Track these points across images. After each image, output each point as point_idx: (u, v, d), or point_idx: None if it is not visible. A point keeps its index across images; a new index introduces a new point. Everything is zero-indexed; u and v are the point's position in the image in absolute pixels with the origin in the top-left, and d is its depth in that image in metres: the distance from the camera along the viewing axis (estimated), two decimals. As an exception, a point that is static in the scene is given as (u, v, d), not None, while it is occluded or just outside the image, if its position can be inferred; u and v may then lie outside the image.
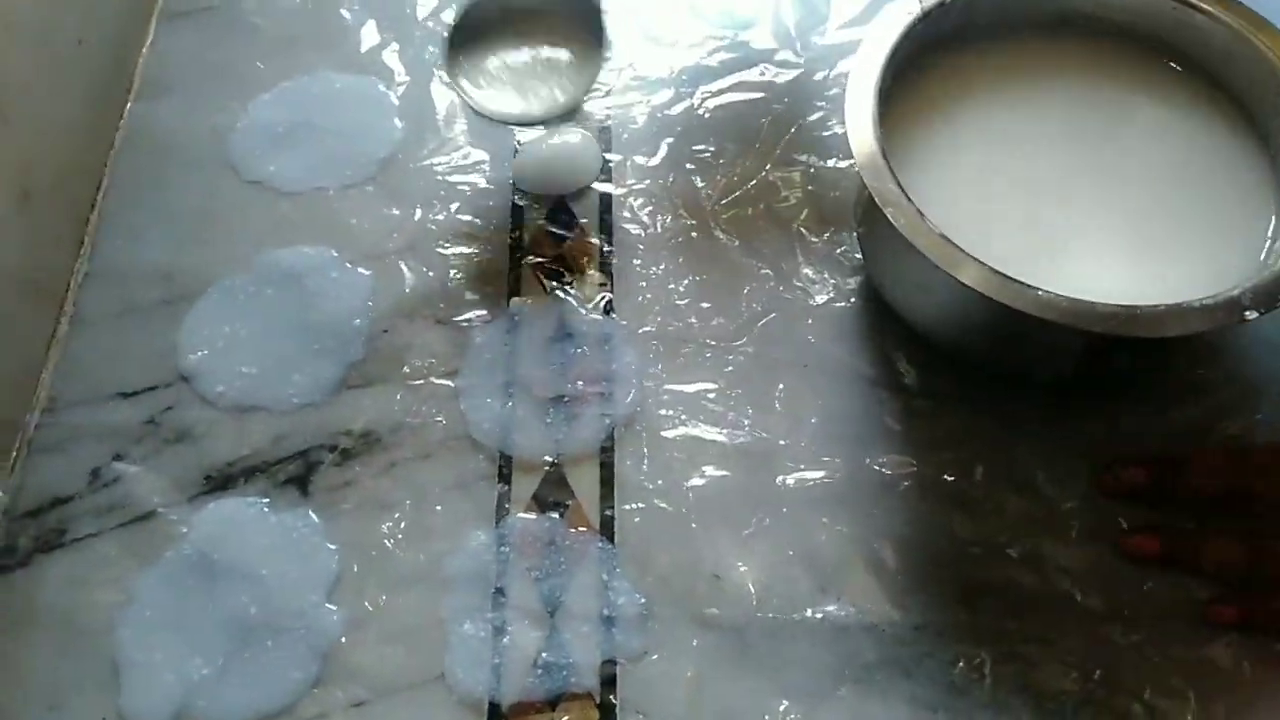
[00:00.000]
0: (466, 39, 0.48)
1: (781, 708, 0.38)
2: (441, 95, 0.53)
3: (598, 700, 0.38)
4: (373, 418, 0.44)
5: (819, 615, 0.40)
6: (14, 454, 0.43)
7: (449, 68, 0.47)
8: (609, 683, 0.38)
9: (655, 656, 0.39)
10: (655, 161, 0.51)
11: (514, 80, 0.48)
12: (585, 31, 0.48)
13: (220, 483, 0.43)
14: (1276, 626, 0.38)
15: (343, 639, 0.39)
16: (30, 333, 0.46)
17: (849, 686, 0.38)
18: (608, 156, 0.51)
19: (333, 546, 0.41)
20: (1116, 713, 0.38)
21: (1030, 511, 0.42)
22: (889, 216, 0.38)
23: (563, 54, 0.48)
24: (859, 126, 0.41)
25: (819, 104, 0.53)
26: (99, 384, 0.45)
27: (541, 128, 0.51)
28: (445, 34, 0.47)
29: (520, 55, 0.48)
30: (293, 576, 0.41)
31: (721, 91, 0.54)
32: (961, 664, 0.39)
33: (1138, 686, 0.38)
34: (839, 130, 0.52)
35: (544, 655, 0.39)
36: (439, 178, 0.51)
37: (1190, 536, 0.40)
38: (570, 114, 0.48)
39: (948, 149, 0.43)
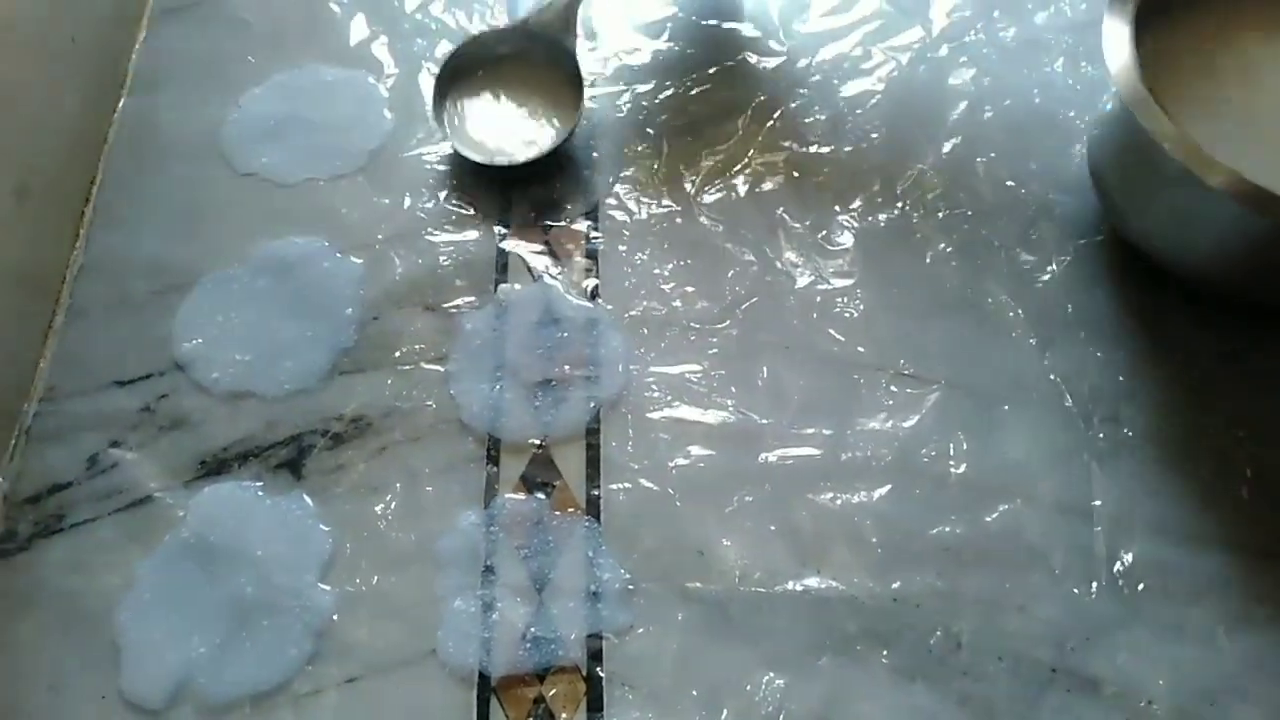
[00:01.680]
0: (453, 83, 0.51)
1: (765, 679, 0.39)
2: (429, 85, 0.54)
3: (584, 673, 0.39)
4: (364, 403, 0.45)
5: (800, 588, 0.40)
6: (13, 442, 0.44)
7: (436, 112, 0.51)
8: (595, 656, 0.39)
9: (641, 630, 0.40)
10: (640, 149, 0.52)
11: (497, 124, 0.51)
12: (564, 77, 0.51)
13: (214, 467, 0.44)
14: None
15: (336, 617, 0.40)
16: (27, 324, 0.47)
17: (830, 657, 0.39)
18: (594, 144, 0.52)
19: (326, 528, 0.42)
20: (1090, 680, 0.39)
21: (1008, 484, 0.43)
22: (1168, 151, 0.38)
23: (543, 99, 0.51)
24: (1121, 67, 0.41)
25: (801, 91, 0.54)
26: (95, 373, 0.46)
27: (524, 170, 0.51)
28: (433, 78, 0.51)
29: (504, 100, 0.52)
30: (287, 558, 0.42)
31: (705, 79, 0.54)
32: (939, 633, 0.40)
33: (1113, 655, 0.39)
34: (820, 117, 0.53)
35: (532, 630, 0.40)
36: (428, 166, 0.52)
37: None
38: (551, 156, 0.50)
39: (1207, 90, 0.43)
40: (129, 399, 0.45)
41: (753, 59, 0.55)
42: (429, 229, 0.50)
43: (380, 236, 0.50)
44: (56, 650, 0.40)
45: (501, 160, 0.50)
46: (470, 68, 0.52)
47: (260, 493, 0.43)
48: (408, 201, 0.51)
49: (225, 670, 0.39)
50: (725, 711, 0.38)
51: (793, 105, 0.53)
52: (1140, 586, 0.40)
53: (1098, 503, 0.42)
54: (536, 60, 0.52)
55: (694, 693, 0.39)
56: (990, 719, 0.38)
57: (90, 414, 0.45)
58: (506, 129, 0.51)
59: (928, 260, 0.48)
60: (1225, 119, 0.43)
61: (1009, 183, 0.51)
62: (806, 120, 0.53)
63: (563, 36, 0.51)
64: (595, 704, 0.38)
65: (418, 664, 0.39)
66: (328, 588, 0.41)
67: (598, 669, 0.39)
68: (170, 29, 0.57)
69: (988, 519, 0.42)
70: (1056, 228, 0.49)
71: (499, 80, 0.52)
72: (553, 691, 0.39)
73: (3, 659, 0.40)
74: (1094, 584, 0.41)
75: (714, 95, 0.54)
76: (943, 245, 0.49)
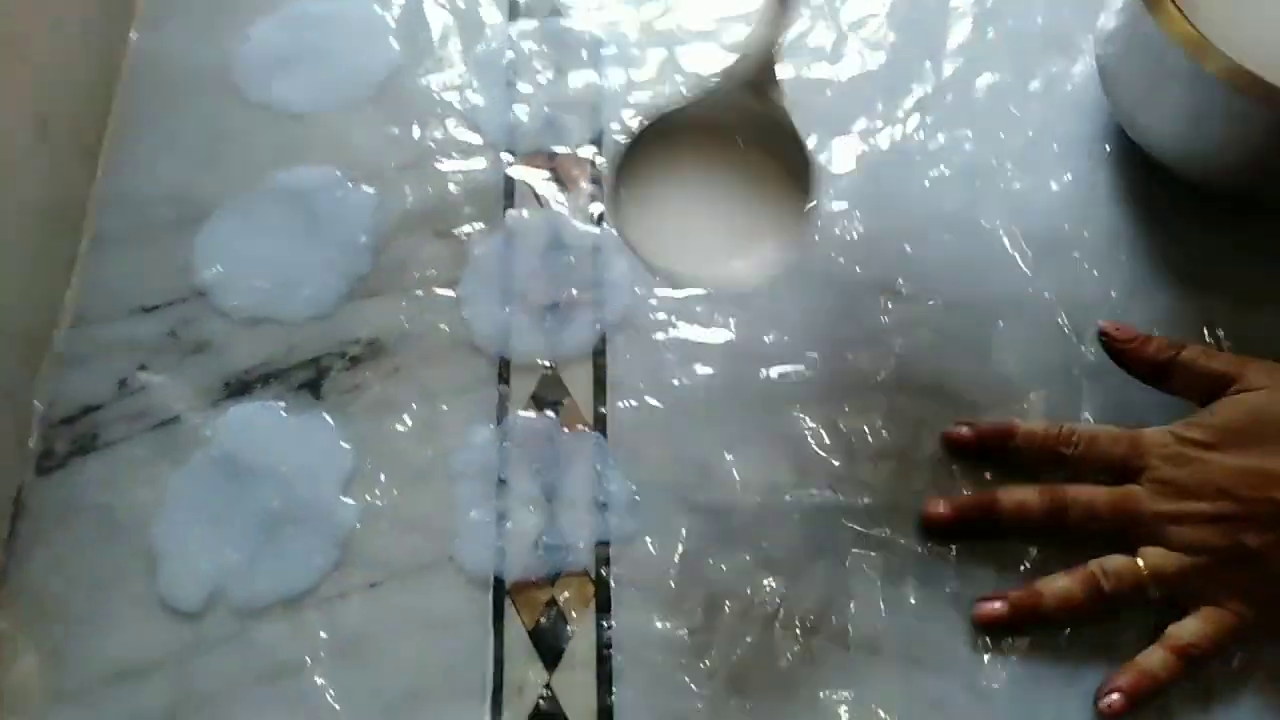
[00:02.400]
0: (631, 174, 0.38)
1: (765, 581, 0.41)
2: (435, 15, 0.54)
3: (593, 577, 0.41)
4: (378, 326, 0.47)
5: (799, 498, 0.42)
6: (47, 367, 0.46)
7: (611, 207, 0.39)
8: (604, 561, 0.42)
9: (647, 538, 0.42)
10: (645, 75, 0.53)
11: (690, 230, 0.38)
12: (774, 153, 0.38)
13: (238, 389, 0.45)
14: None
15: (358, 527, 0.43)
16: (54, 254, 0.49)
17: (825, 562, 0.41)
18: (600, 68, 0.53)
19: (347, 445, 0.44)
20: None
21: (1001, 400, 0.44)
22: (1172, 41, 0.39)
23: (751, 187, 0.38)
24: None
25: (804, 11, 0.54)
26: (121, 300, 0.48)
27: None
28: (608, 168, 0.40)
29: (697, 196, 0.38)
30: (311, 473, 0.44)
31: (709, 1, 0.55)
32: (930, 541, 0.41)
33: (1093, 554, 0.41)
34: (823, 39, 0.53)
35: (544, 538, 0.42)
36: (435, 96, 0.52)
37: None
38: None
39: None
40: (154, 324, 0.47)
41: (756, -18, 0.55)
42: (438, 158, 0.51)
43: (391, 165, 0.51)
44: (96, 557, 0.42)
45: (704, 288, 0.39)
46: (650, 153, 0.38)
47: (283, 413, 0.45)
48: (417, 131, 0.52)
49: (256, 577, 0.42)
50: (727, 608, 0.40)
51: (796, 27, 0.53)
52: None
53: (1087, 417, 0.44)
54: (733, 133, 0.39)
55: (697, 594, 0.41)
56: (978, 618, 0.40)
57: (118, 339, 0.47)
58: (705, 237, 0.38)
59: (926, 183, 0.49)
60: (1236, 14, 0.42)
61: (1010, 104, 0.51)
62: (809, 42, 0.53)
63: (763, 94, 0.38)
64: (604, 605, 0.41)
65: (437, 570, 0.42)
66: (350, 501, 0.43)
67: (606, 573, 0.41)
68: (178, -40, 0.57)
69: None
70: (1056, 148, 0.50)
71: (687, 167, 0.39)
72: (564, 594, 0.41)
73: (47, 563, 0.42)
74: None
75: (717, 16, 0.54)
76: (942, 166, 0.49)
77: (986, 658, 0.39)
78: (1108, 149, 0.50)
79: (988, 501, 0.40)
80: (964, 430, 0.42)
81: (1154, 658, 0.38)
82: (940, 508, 0.40)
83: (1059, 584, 0.39)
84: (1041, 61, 0.52)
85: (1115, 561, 0.38)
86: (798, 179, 0.38)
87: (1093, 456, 0.40)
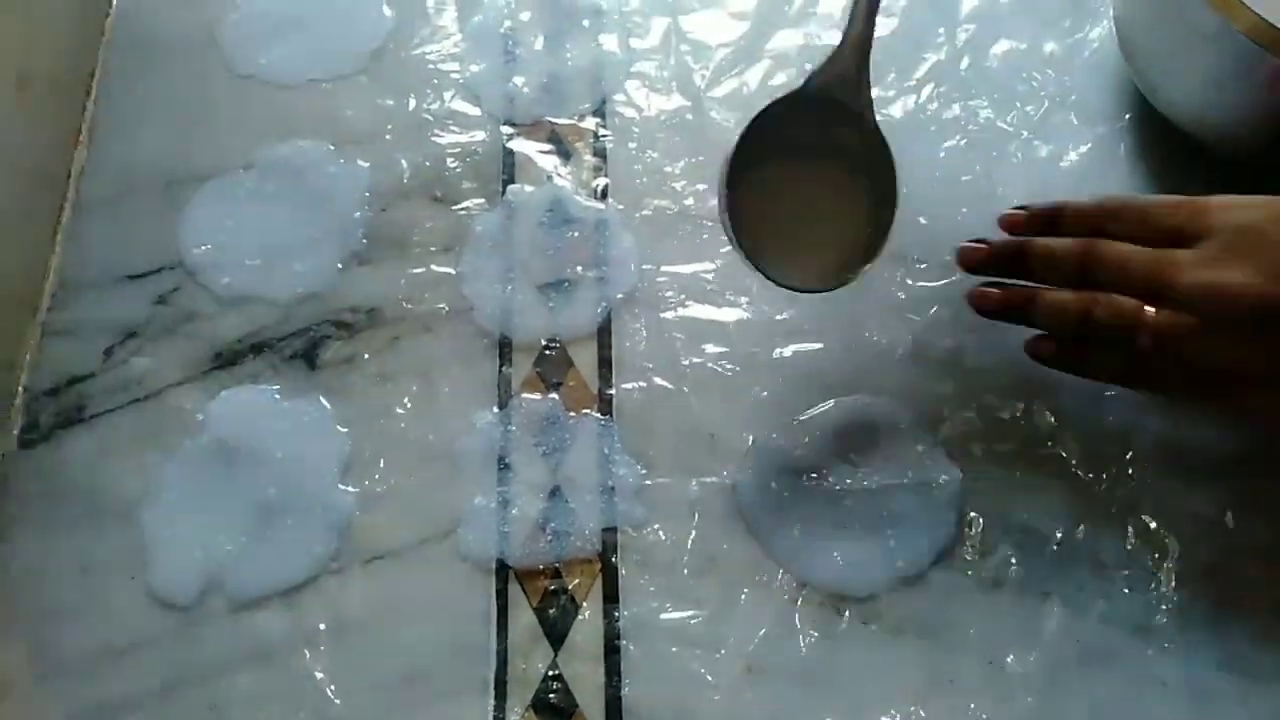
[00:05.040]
0: (741, 182, 0.39)
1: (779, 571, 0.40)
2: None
3: (602, 564, 0.40)
4: (377, 303, 0.45)
5: (816, 482, 0.41)
6: (30, 336, 0.44)
7: (727, 223, 0.39)
8: (612, 548, 0.40)
9: (657, 524, 0.41)
10: (649, 44, 0.51)
11: (788, 228, 0.40)
12: (861, 157, 0.41)
13: (230, 359, 0.44)
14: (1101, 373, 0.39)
15: (358, 515, 0.41)
16: (37, 219, 0.47)
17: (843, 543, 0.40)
18: (600, 38, 0.51)
19: (344, 429, 0.43)
20: (1097, 558, 0.39)
21: (1019, 373, 0.42)
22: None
23: (836, 191, 0.41)
24: None
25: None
26: (106, 268, 0.46)
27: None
28: (724, 171, 0.39)
29: (793, 197, 0.40)
30: (307, 460, 0.42)
31: (715, -31, 0.53)
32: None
33: (1120, 534, 0.40)
34: (834, 5, 0.51)
35: (551, 525, 0.41)
36: (431, 66, 0.50)
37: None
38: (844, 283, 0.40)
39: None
40: (141, 292, 0.45)
41: (763, -54, 0.53)
42: (435, 130, 0.49)
43: (387, 138, 0.49)
44: (85, 536, 0.41)
45: (805, 285, 0.40)
46: (757, 158, 0.40)
47: (277, 396, 0.43)
48: (412, 103, 0.50)
49: (253, 567, 0.40)
50: (744, 595, 0.39)
51: (804, -5, 0.52)
52: (1147, 465, 0.41)
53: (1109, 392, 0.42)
54: (825, 137, 0.40)
55: (710, 581, 0.39)
56: (1001, 586, 0.39)
57: (104, 307, 0.45)
58: (796, 233, 0.40)
59: (941, 154, 0.48)
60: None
61: (1026, 70, 0.49)
62: (818, 9, 0.51)
63: (852, 100, 0.40)
64: (612, 594, 0.39)
65: (439, 558, 0.40)
66: (348, 488, 0.42)
67: (615, 560, 0.40)
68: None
69: (1003, 414, 0.42)
70: (1075, 115, 0.48)
71: (787, 171, 0.40)
72: (573, 582, 0.40)
73: (33, 542, 0.41)
74: (1105, 474, 0.41)
75: (722, -15, 0.52)
76: (958, 136, 0.48)
77: (1008, 639, 0.38)
78: (1127, 117, 0.48)
79: (1015, 246, 0.39)
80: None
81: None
82: (977, 252, 0.40)
83: (1059, 295, 0.38)
84: (1058, 26, 0.50)
85: (1121, 298, 0.37)
86: (876, 177, 0.40)
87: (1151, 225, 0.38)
